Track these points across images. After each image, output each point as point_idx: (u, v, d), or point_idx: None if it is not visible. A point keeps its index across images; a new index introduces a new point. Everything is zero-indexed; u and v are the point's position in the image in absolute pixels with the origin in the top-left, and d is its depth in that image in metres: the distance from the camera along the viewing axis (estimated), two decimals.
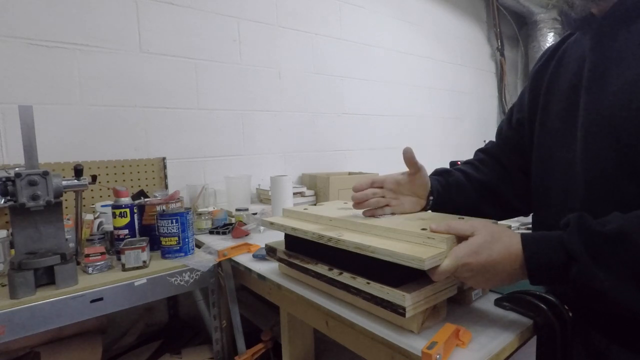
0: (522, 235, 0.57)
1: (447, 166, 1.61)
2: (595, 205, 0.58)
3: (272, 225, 0.85)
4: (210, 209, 1.43)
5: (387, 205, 0.79)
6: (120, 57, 1.47)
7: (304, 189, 1.76)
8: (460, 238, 0.60)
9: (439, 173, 0.88)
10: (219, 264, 1.09)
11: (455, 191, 0.84)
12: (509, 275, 0.56)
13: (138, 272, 0.98)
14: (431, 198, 0.82)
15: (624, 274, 0.48)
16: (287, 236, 0.85)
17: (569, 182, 0.64)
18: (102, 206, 1.27)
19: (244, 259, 1.05)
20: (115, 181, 1.44)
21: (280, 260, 0.87)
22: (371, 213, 0.78)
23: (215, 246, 1.15)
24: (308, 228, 0.76)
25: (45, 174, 0.90)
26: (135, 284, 0.96)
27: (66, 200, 1.27)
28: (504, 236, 0.57)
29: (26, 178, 0.88)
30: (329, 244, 0.69)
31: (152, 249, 1.10)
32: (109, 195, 1.40)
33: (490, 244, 0.56)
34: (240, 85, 1.81)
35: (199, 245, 1.22)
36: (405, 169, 0.82)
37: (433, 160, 2.80)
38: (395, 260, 0.58)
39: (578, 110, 0.63)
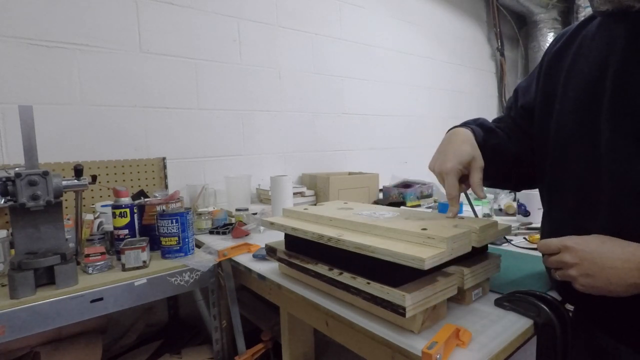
0: None
1: None
2: (623, 206, 0.57)
3: (272, 225, 0.85)
4: (210, 209, 1.43)
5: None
6: (120, 57, 1.47)
7: (304, 189, 1.76)
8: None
9: (485, 129, 0.79)
10: (219, 264, 1.09)
11: (493, 156, 0.76)
12: (621, 272, 0.51)
13: (138, 272, 0.98)
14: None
15: None
16: (287, 236, 0.85)
17: (590, 178, 0.61)
18: (102, 206, 1.27)
19: (244, 259, 1.05)
20: (115, 181, 1.44)
21: (280, 260, 0.87)
22: None
23: (215, 246, 1.15)
24: (308, 228, 0.76)
25: (45, 174, 0.90)
26: (135, 284, 0.96)
27: (66, 200, 1.27)
28: (621, 240, 0.54)
29: (26, 178, 0.88)
30: (329, 243, 0.69)
31: (152, 249, 1.10)
32: (109, 195, 1.40)
33: (603, 238, 0.55)
34: (240, 85, 1.81)
35: (199, 245, 1.22)
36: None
37: None
38: (395, 260, 0.58)
39: (601, 103, 0.60)
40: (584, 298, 0.58)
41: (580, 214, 0.63)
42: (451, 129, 0.80)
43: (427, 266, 0.54)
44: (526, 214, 1.35)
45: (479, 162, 0.71)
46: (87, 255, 0.99)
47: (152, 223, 1.15)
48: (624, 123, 0.57)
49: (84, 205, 1.26)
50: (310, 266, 0.76)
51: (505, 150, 0.78)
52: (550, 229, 0.72)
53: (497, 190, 1.61)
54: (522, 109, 0.79)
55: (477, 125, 0.79)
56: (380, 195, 1.95)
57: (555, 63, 0.72)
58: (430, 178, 2.08)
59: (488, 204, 1.49)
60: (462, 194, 0.84)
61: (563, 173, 0.68)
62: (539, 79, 0.75)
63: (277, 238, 0.93)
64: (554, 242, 0.59)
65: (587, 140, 0.62)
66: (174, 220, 1.07)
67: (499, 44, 3.38)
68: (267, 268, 0.96)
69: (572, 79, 0.67)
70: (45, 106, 1.33)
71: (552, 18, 3.27)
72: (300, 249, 0.81)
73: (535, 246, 1.05)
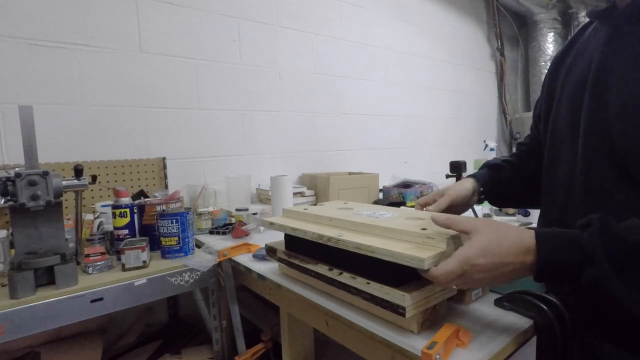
0: (536, 230, 0.55)
1: (447, 166, 1.60)
2: (591, 210, 0.58)
3: (272, 225, 0.85)
4: (210, 209, 1.43)
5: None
6: (120, 57, 1.47)
7: (304, 189, 1.76)
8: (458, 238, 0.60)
9: (490, 167, 0.91)
10: (219, 264, 1.09)
11: (507, 186, 0.87)
12: (516, 270, 0.54)
13: (138, 272, 0.98)
14: (482, 189, 0.87)
15: None
16: (287, 236, 0.85)
17: (571, 181, 0.64)
18: (102, 206, 1.27)
19: (244, 259, 1.05)
20: (115, 181, 1.44)
21: (280, 260, 0.87)
22: None
23: (215, 246, 1.15)
24: (308, 228, 0.76)
25: (45, 174, 0.90)
26: (135, 284, 0.96)
27: (66, 200, 1.27)
28: (511, 232, 0.55)
29: (26, 178, 0.88)
30: (329, 244, 0.69)
31: (152, 249, 1.10)
32: (109, 195, 1.40)
33: (497, 242, 0.54)
34: (240, 85, 1.81)
35: (199, 245, 1.22)
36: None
37: (433, 160, 2.82)
38: (395, 260, 0.58)
39: (582, 109, 0.62)
40: (577, 307, 0.59)
41: (567, 214, 0.65)
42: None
43: (427, 266, 0.54)
44: (526, 214, 1.35)
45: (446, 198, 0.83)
46: (87, 255, 0.99)
47: (152, 223, 1.15)
48: (592, 132, 0.59)
49: (84, 205, 1.25)
50: (310, 266, 0.76)
51: (514, 179, 0.87)
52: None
53: None
54: (538, 117, 0.81)
55: (484, 167, 0.92)
56: (380, 195, 1.95)
57: (557, 67, 0.74)
58: (430, 178, 2.08)
59: (488, 204, 1.49)
60: None
61: (554, 174, 0.70)
62: (544, 85, 0.78)
63: (277, 238, 0.93)
64: (452, 267, 0.55)
65: (570, 146, 0.64)
66: (174, 220, 1.07)
67: (499, 44, 3.38)
68: (267, 268, 0.96)
69: (567, 82, 0.69)
70: (45, 106, 1.33)
71: (552, 18, 3.27)
72: (300, 249, 0.81)
73: None
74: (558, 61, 0.75)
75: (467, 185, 0.86)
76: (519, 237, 0.54)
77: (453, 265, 0.54)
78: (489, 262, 0.53)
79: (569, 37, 0.77)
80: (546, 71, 0.81)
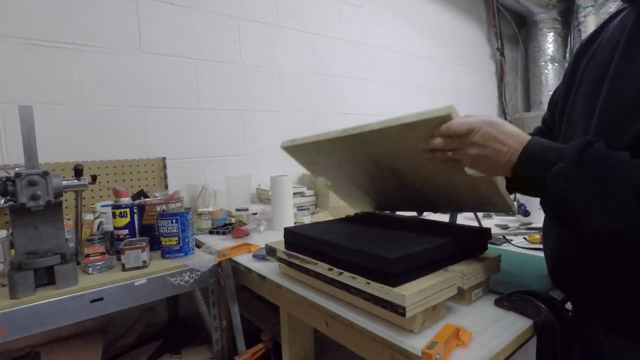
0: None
1: None
2: None
3: (293, 142, 0.86)
4: (210, 209, 1.43)
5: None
6: (120, 57, 1.47)
7: (304, 189, 1.76)
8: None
9: None
10: (219, 264, 1.09)
11: None
12: (508, 154, 0.58)
13: (138, 272, 0.98)
14: None
15: (599, 192, 0.48)
16: (286, 235, 0.85)
17: None
18: (102, 206, 1.27)
19: (244, 259, 1.05)
20: (115, 181, 1.44)
21: (280, 260, 0.87)
22: None
23: (215, 246, 1.15)
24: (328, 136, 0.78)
25: (45, 174, 0.90)
26: (135, 284, 0.96)
27: (66, 200, 1.27)
28: (516, 127, 0.62)
29: (26, 178, 0.88)
30: (355, 132, 0.72)
31: (152, 249, 1.10)
32: (109, 195, 1.40)
33: (504, 124, 0.61)
34: (240, 85, 1.81)
35: (199, 245, 1.22)
36: None
37: None
38: (420, 118, 0.66)
39: (600, 93, 0.59)
40: (583, 290, 0.58)
41: None
42: None
43: (447, 111, 0.62)
44: (526, 213, 1.35)
45: None
46: (87, 255, 0.99)
47: (152, 223, 1.15)
48: (611, 106, 0.57)
49: (84, 205, 1.26)
50: (310, 266, 0.76)
51: None
52: (547, 224, 0.72)
53: None
54: (555, 105, 0.79)
55: None
56: None
57: (580, 55, 0.72)
58: None
59: None
60: None
61: None
62: (566, 73, 0.75)
63: (277, 238, 0.93)
64: (466, 121, 0.64)
65: (587, 127, 0.61)
66: (174, 220, 1.07)
67: (499, 44, 3.38)
68: (267, 268, 0.96)
69: (589, 68, 0.66)
70: (45, 106, 1.33)
71: (552, 18, 3.27)
72: (300, 247, 0.81)
73: (536, 246, 1.05)
74: (582, 49, 0.72)
75: None
76: (520, 131, 0.61)
77: (468, 118, 0.61)
78: (494, 132, 0.60)
79: (594, 30, 0.74)
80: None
